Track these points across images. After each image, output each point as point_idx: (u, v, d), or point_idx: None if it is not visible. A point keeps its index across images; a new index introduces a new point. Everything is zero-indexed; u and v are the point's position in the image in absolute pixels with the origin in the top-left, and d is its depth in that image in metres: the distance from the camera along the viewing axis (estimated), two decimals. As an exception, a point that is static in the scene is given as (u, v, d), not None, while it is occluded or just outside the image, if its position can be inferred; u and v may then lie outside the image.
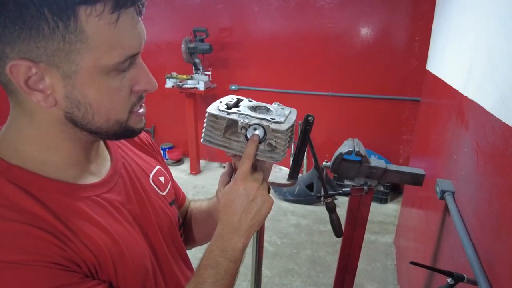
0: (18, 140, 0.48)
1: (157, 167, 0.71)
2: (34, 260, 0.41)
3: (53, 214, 0.46)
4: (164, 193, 0.69)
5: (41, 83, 0.43)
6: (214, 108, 0.58)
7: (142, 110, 0.53)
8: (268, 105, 0.63)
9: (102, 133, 0.50)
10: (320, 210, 3.13)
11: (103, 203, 0.53)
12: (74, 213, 0.48)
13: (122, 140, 0.67)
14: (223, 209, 0.57)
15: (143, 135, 0.74)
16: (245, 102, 0.62)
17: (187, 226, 0.81)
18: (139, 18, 0.47)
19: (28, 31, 0.40)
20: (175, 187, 0.79)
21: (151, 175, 0.67)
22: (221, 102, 0.61)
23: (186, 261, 0.73)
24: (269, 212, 0.58)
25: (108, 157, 0.61)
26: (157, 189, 0.67)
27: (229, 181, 0.61)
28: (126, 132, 0.52)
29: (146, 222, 0.60)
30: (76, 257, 0.46)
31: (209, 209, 0.78)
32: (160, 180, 0.69)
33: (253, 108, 0.61)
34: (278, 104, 0.65)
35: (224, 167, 0.67)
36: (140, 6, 0.46)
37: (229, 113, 0.57)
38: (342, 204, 3.16)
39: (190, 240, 0.81)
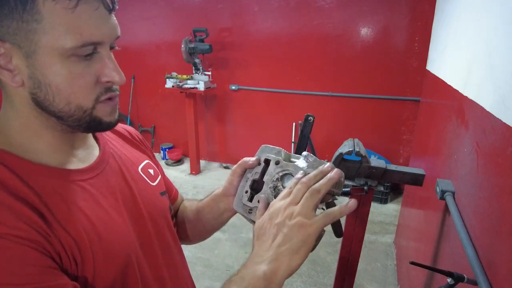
0: (6, 127, 0.51)
1: (146, 161, 0.72)
2: (8, 234, 0.41)
3: (38, 195, 0.47)
4: (154, 184, 0.70)
5: (10, 63, 0.46)
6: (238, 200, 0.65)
7: (111, 102, 0.53)
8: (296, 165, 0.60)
9: (65, 118, 0.50)
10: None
11: (88, 187, 0.54)
12: (57, 196, 0.49)
13: (111, 134, 0.69)
14: (254, 242, 0.56)
15: (133, 131, 0.76)
16: (272, 168, 0.62)
17: (179, 223, 0.82)
18: (108, 13, 0.48)
19: None
20: (167, 183, 0.80)
21: (140, 166, 0.69)
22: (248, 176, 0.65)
23: (180, 251, 0.74)
24: (310, 238, 0.53)
25: (96, 146, 0.62)
26: (146, 179, 0.68)
27: (238, 181, 0.67)
28: (92, 122, 0.52)
29: (134, 210, 0.61)
30: (56, 242, 0.46)
31: (198, 210, 0.78)
32: (149, 172, 0.70)
33: (279, 180, 0.61)
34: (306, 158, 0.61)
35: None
36: (108, 1, 0.48)
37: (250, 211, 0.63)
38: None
39: (182, 237, 0.81)
